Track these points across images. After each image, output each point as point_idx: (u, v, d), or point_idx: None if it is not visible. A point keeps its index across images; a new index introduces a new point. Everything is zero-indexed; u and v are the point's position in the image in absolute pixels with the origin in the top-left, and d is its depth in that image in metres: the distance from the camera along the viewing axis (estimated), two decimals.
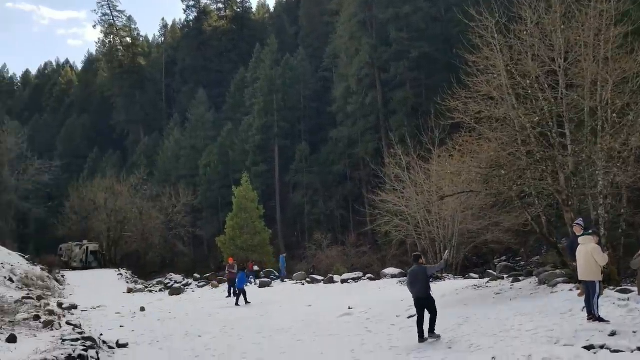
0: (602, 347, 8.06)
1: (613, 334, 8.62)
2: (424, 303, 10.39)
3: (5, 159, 50.55)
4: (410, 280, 10.81)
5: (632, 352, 7.62)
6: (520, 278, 16.77)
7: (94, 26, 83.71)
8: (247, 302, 20.14)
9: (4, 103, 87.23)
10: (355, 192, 49.46)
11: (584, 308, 9.91)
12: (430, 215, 25.61)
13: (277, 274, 32.71)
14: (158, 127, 73.31)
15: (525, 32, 14.87)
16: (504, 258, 28.30)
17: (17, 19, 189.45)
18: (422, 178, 25.65)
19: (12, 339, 11.22)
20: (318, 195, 51.81)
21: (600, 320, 9.40)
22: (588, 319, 9.56)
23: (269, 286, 26.79)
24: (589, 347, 8.11)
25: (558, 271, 14.30)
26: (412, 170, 26.46)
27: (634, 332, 8.60)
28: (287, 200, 55.38)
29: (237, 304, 20.09)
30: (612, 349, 7.90)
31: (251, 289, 26.39)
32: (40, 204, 55.76)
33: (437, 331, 10.29)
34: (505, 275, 18.99)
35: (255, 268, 35.43)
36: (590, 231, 10.64)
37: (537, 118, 14.20)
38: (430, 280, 11.46)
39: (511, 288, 15.06)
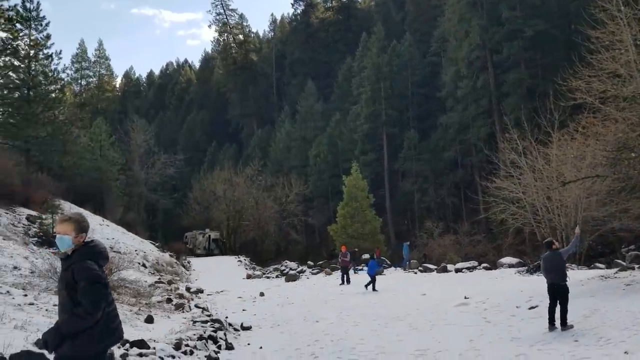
0: None
1: None
2: (558, 289, 9.99)
3: (135, 154, 55.17)
4: (545, 266, 10.40)
5: None
6: None
7: (209, 26, 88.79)
8: (366, 288, 20.34)
9: (132, 103, 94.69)
10: (467, 179, 48.19)
11: None
12: (550, 202, 24.33)
13: (388, 262, 32.74)
14: (270, 120, 75.95)
15: None
16: (632, 247, 26.14)
17: (141, 24, 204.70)
18: (541, 163, 24.38)
19: (149, 320, 12.30)
20: (428, 182, 51.05)
21: None
22: None
23: (381, 274, 26.91)
24: None
25: None
26: (530, 155, 25.22)
27: None
28: (397, 188, 55.13)
29: (374, 289, 20.28)
30: None
31: (364, 277, 26.75)
32: (166, 196, 60.10)
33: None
34: (636, 266, 17.63)
35: (366, 256, 35.80)
36: None
37: None
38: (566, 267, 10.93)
39: None
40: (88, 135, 48.46)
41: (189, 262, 36.57)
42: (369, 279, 20.90)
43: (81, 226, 4.14)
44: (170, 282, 23.10)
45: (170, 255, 34.25)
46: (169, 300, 16.55)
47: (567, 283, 10.13)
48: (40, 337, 4.13)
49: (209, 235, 47.01)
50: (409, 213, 53.31)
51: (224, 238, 47.85)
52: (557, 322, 9.87)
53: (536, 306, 12.20)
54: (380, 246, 39.87)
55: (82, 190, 39.85)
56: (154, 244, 37.08)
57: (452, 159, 51.22)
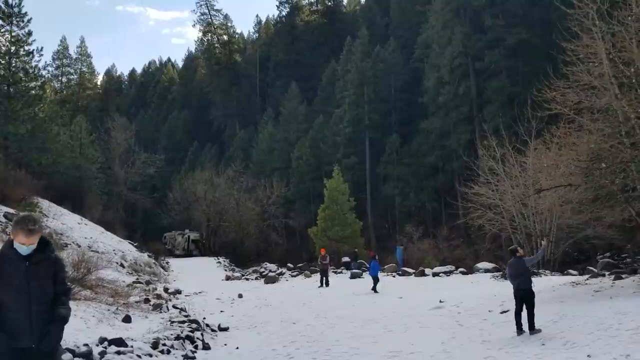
0: None
1: None
2: (523, 294, 10.32)
3: (116, 153, 54.74)
4: (510, 272, 10.81)
5: None
6: (623, 276, 15.97)
7: (194, 25, 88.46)
8: (375, 291, 20.43)
9: (113, 101, 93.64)
10: (447, 184, 48.63)
11: None
12: (526, 208, 24.89)
13: (367, 265, 32.95)
14: (253, 121, 75.85)
15: (629, 17, 14.04)
16: (607, 254, 26.78)
17: (126, 21, 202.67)
18: (518, 170, 24.95)
19: (127, 319, 12.37)
20: (409, 187, 51.50)
21: None
22: None
23: (359, 277, 27.20)
24: None
25: None
26: (507, 162, 25.78)
27: None
28: (378, 192, 55.48)
29: (374, 290, 20.42)
30: None
31: (342, 279, 27.00)
32: (146, 195, 59.68)
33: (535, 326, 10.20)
34: (607, 273, 18.13)
35: (346, 259, 36.07)
36: None
37: None
38: (531, 272, 11.29)
39: (612, 286, 14.41)
40: (68, 133, 47.97)
41: (167, 263, 36.45)
42: (348, 283, 21.12)
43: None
44: (148, 283, 23.09)
45: (149, 256, 34.10)
46: (147, 301, 16.60)
47: (532, 287, 10.46)
48: (43, 342, 4.01)
49: (189, 236, 46.87)
50: (390, 217, 53.69)
51: (203, 239, 47.72)
52: (525, 327, 10.19)
53: (508, 310, 12.50)
54: (360, 249, 40.13)
55: (60, 188, 39.47)
56: (132, 244, 36.84)
57: (433, 165, 51.73)
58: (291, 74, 73.63)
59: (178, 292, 22.16)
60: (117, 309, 13.12)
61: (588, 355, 7.82)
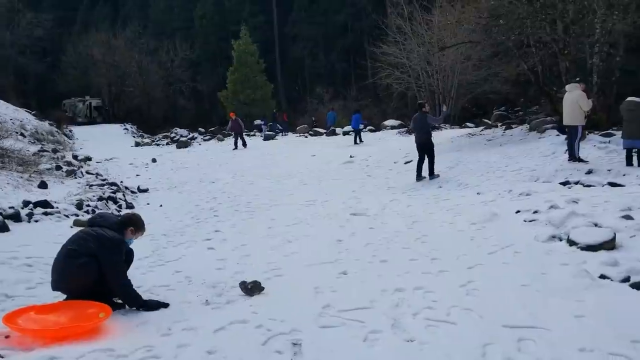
0: (576, 183, 8.96)
1: (589, 172, 9.53)
2: (424, 146, 11.35)
3: None
4: (414, 125, 11.76)
5: (602, 186, 8.52)
6: (513, 126, 17.62)
7: None
8: (355, 143, 21.55)
9: None
10: (356, 44, 48.66)
11: (566, 151, 10.83)
12: (430, 66, 25.91)
13: (280, 127, 33.55)
14: None
15: None
16: (503, 108, 28.97)
17: None
18: (424, 29, 25.50)
19: (43, 185, 12.22)
20: (318, 48, 51.06)
21: (580, 160, 10.33)
22: (569, 160, 10.49)
23: (273, 139, 27.82)
24: (565, 183, 9.03)
25: (548, 118, 15.05)
26: (415, 20, 26.17)
27: (609, 170, 9.53)
28: (287, 54, 54.61)
29: (360, 140, 21.78)
30: (585, 184, 8.81)
31: (256, 141, 27.53)
32: (37, 60, 54.98)
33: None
34: (500, 124, 19.85)
35: (258, 122, 36.44)
36: (577, 79, 11.27)
37: None
38: (432, 128, 12.29)
39: (502, 135, 15.95)
40: None
41: (71, 131, 35.04)
42: (262, 144, 21.60)
43: None
44: (55, 151, 22.37)
45: (50, 124, 32.49)
46: (59, 168, 16.28)
47: (431, 140, 11.51)
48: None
49: (90, 103, 44.76)
50: (300, 79, 53.58)
51: (106, 105, 45.81)
52: (425, 173, 11.35)
53: (410, 161, 13.68)
54: (276, 111, 40.35)
55: None
56: (30, 112, 34.73)
57: (343, 23, 51.09)
58: None
59: (88, 159, 21.74)
60: (29, 176, 12.86)
61: (477, 193, 8.98)
